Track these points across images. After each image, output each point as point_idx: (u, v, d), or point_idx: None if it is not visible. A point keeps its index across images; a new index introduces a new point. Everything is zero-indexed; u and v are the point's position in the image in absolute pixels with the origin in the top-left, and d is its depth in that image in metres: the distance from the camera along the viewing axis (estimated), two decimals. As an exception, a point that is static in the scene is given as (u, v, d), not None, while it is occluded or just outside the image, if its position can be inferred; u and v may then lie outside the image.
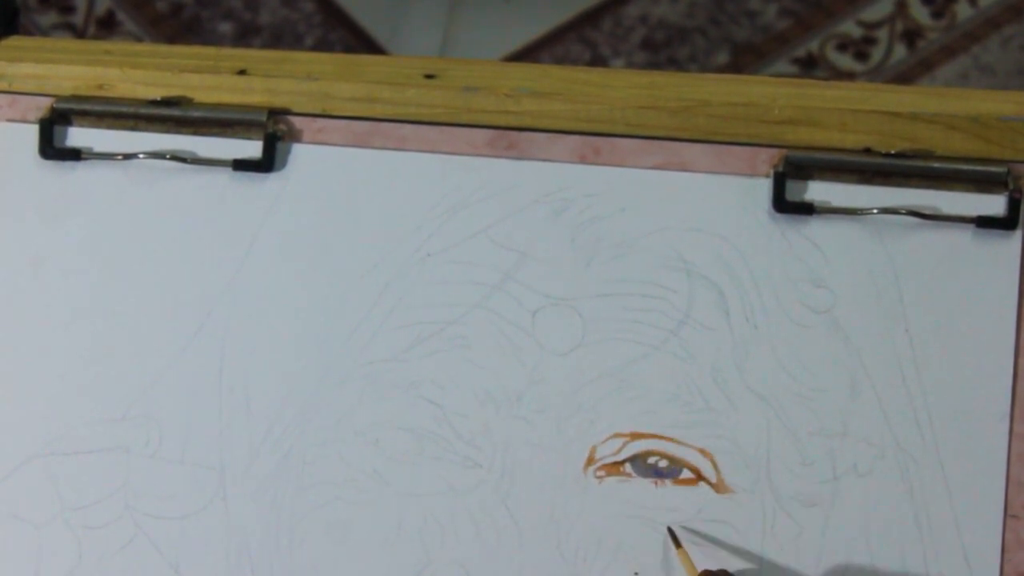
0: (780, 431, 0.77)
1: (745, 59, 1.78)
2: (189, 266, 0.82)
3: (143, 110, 0.83)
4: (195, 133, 0.83)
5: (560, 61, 1.77)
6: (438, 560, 0.78)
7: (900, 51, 1.78)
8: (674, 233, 0.79)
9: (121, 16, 1.81)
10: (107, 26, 1.81)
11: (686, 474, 0.77)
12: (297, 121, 0.82)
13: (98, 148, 0.84)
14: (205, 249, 0.82)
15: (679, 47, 1.78)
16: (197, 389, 0.81)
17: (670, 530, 0.77)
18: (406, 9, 1.81)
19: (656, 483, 0.77)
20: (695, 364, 0.78)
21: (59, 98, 0.84)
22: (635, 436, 0.78)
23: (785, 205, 0.78)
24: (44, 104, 0.84)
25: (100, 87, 0.84)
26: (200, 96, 0.83)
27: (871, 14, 1.81)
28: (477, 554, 0.78)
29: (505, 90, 0.81)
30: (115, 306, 0.82)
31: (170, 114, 0.83)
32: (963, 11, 1.80)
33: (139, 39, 1.78)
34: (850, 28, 1.80)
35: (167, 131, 0.83)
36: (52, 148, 0.83)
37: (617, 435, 0.78)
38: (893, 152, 0.77)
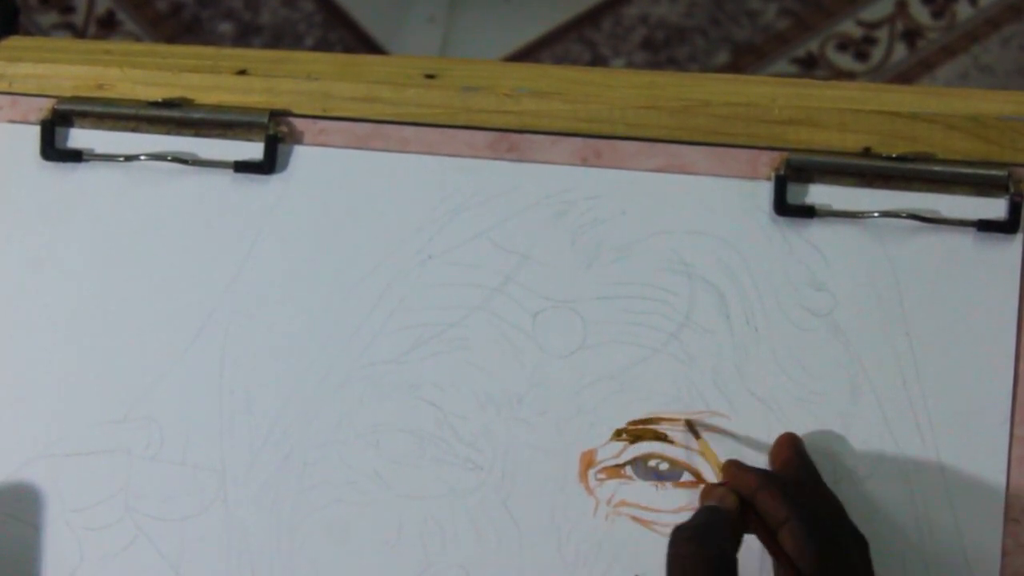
0: (780, 434, 0.77)
1: (745, 59, 1.78)
2: (190, 268, 0.82)
3: (144, 111, 0.83)
4: (196, 135, 0.83)
5: (560, 61, 1.77)
6: (438, 562, 0.78)
7: (900, 51, 1.79)
8: (675, 236, 0.78)
9: (121, 16, 1.81)
10: (107, 26, 1.81)
11: (687, 477, 0.77)
12: (298, 123, 0.82)
13: (99, 149, 0.83)
14: (206, 250, 0.82)
15: (679, 47, 1.78)
16: (198, 391, 0.81)
17: (689, 423, 0.76)
18: (406, 9, 1.81)
19: (657, 486, 0.77)
20: (696, 367, 0.78)
21: (60, 99, 0.84)
22: (635, 439, 0.78)
23: (786, 208, 0.78)
24: (45, 105, 0.84)
25: (100, 87, 0.84)
26: (200, 96, 0.83)
27: (871, 14, 1.81)
28: (477, 556, 0.78)
29: (505, 90, 0.81)
30: (116, 308, 0.82)
31: (171, 115, 0.83)
32: (963, 11, 1.81)
33: (139, 39, 1.78)
34: (850, 28, 1.80)
35: (168, 132, 0.83)
36: (53, 149, 0.83)
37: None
38: (894, 155, 0.77)
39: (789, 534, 0.68)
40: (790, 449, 0.75)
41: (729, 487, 0.71)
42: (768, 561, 0.72)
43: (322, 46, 1.78)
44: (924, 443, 0.76)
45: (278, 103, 0.83)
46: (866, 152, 0.78)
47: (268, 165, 0.82)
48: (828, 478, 0.76)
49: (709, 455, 0.76)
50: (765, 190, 0.78)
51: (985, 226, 0.76)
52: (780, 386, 0.77)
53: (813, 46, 1.79)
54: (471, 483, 0.79)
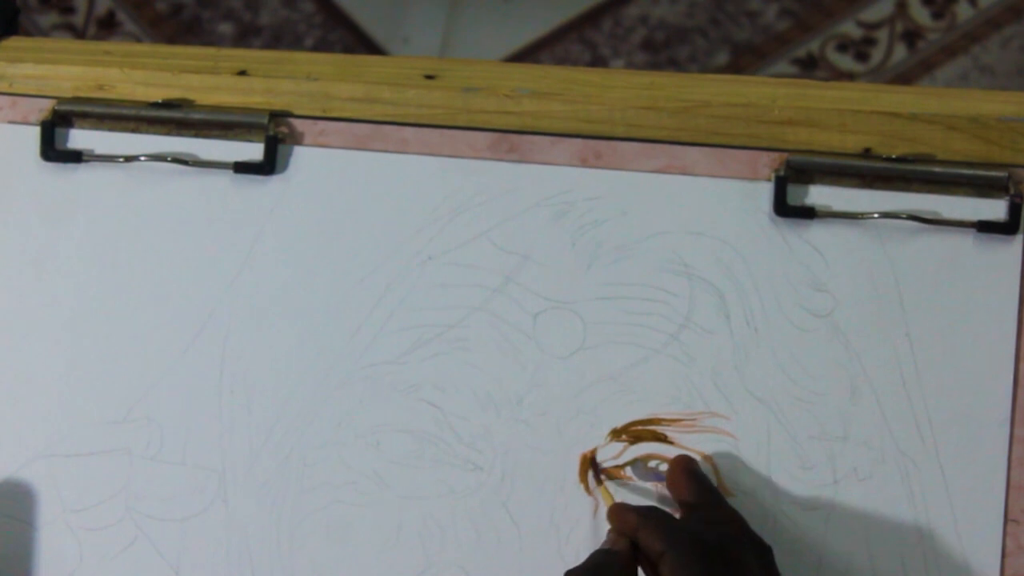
0: (780, 435, 0.77)
1: (745, 59, 1.79)
2: (190, 268, 0.82)
3: (144, 112, 0.83)
4: (196, 135, 0.83)
5: (560, 61, 1.77)
6: (438, 563, 0.79)
7: (900, 51, 1.79)
8: (675, 237, 0.79)
9: (121, 16, 1.81)
10: (107, 26, 1.81)
11: (687, 477, 0.77)
12: (298, 123, 0.82)
13: (99, 150, 0.84)
14: (206, 251, 0.82)
15: (679, 47, 1.78)
16: (198, 391, 0.81)
17: (593, 464, 0.77)
18: (406, 9, 1.81)
19: (656, 486, 0.77)
20: (696, 367, 0.78)
21: (60, 100, 0.84)
22: (635, 439, 0.78)
23: (786, 209, 0.78)
24: (45, 106, 0.84)
25: (100, 87, 0.84)
26: (200, 96, 0.83)
27: (871, 14, 1.81)
28: (477, 557, 0.78)
29: (505, 90, 0.81)
30: (116, 308, 0.82)
31: (171, 116, 0.83)
32: (963, 11, 1.81)
33: (139, 39, 1.78)
34: (850, 28, 1.80)
35: (168, 133, 0.83)
36: (53, 150, 0.83)
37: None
38: (894, 156, 0.77)
39: (667, 568, 0.69)
40: (682, 473, 0.75)
41: (616, 531, 0.72)
42: None
43: (322, 46, 1.78)
44: (923, 443, 0.76)
45: (278, 104, 0.83)
46: (866, 153, 0.78)
47: (268, 166, 0.82)
48: (828, 478, 0.76)
49: (605, 496, 0.76)
50: (765, 191, 0.78)
51: (985, 227, 0.76)
52: (780, 386, 0.77)
53: (813, 46, 1.79)
54: (471, 484, 0.79)
